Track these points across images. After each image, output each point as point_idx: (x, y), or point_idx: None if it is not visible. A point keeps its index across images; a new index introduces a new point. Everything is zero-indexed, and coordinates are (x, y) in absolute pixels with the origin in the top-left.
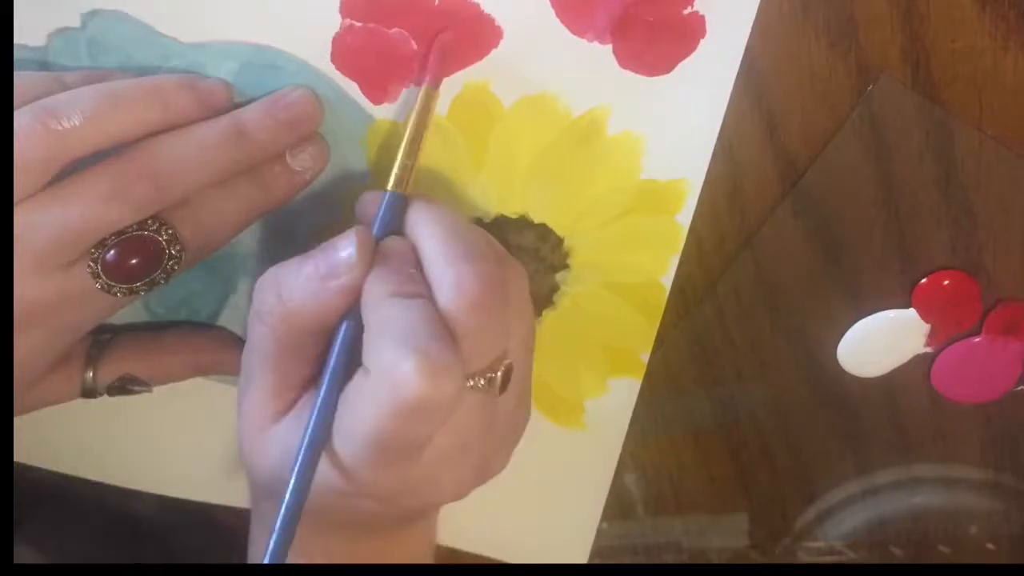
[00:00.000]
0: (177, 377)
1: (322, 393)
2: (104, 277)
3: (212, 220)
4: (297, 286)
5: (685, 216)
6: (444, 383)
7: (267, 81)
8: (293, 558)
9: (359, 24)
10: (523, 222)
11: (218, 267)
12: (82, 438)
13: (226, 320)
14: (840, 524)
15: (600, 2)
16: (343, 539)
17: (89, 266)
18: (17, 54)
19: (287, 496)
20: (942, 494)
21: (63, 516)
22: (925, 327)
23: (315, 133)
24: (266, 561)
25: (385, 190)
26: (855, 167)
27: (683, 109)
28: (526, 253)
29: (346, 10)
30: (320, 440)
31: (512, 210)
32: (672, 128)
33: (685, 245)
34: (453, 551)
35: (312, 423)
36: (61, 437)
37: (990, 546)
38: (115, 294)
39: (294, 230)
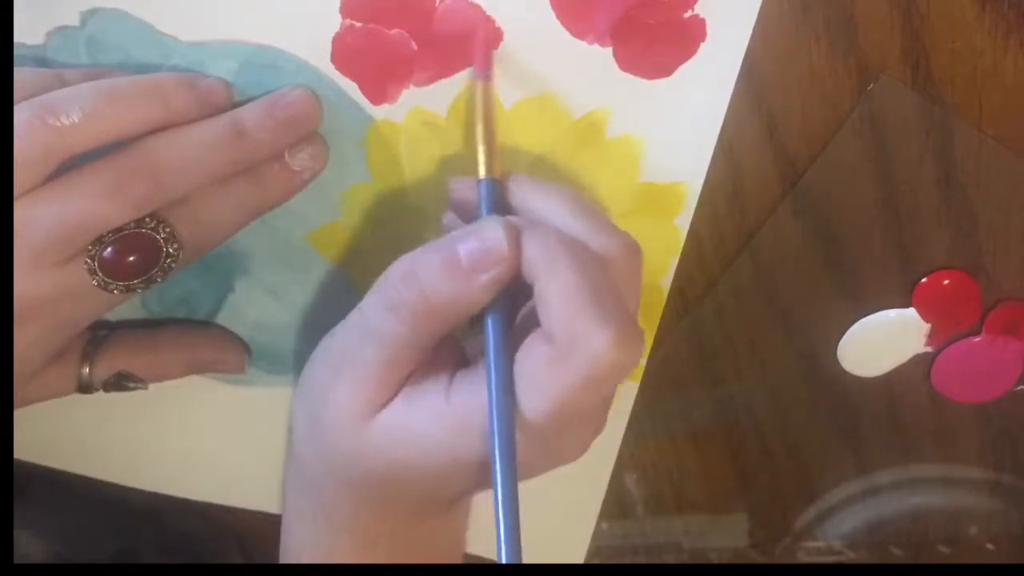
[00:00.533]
0: (173, 375)
1: (495, 377)
2: (101, 274)
3: (210, 219)
4: (442, 280)
5: (684, 219)
6: (636, 351)
7: (267, 81)
8: (355, 546)
9: (359, 24)
10: None
11: (216, 266)
12: (77, 434)
13: (224, 319)
14: (840, 524)
15: (601, 5)
16: (413, 519)
17: (86, 263)
18: (16, 52)
19: (499, 487)
20: (942, 494)
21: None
22: (925, 327)
23: (314, 133)
24: (504, 560)
25: (475, 177)
26: (855, 167)
27: (683, 112)
28: None
29: (346, 10)
30: (510, 421)
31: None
32: (672, 131)
33: (685, 245)
34: None
35: (496, 406)
36: (56, 433)
37: (990, 546)
38: (112, 291)
39: (293, 230)
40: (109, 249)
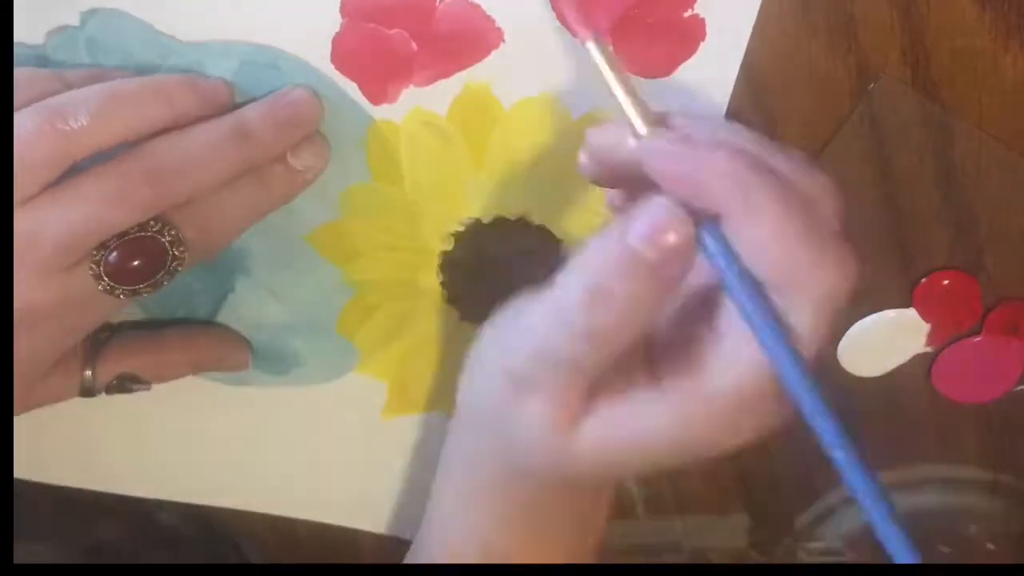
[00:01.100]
0: (177, 375)
1: (797, 371)
2: (106, 279)
3: (215, 221)
4: (634, 286)
5: None
6: (856, 275)
7: (267, 81)
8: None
9: (359, 24)
10: (522, 223)
11: (216, 266)
12: (75, 445)
13: (223, 319)
14: (840, 524)
15: (600, 4)
16: (594, 495)
17: (91, 268)
18: (16, 52)
19: (862, 476)
20: (942, 494)
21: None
22: (925, 327)
23: (315, 132)
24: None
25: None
26: (855, 167)
27: (683, 111)
28: (524, 254)
29: (346, 10)
30: (811, 379)
31: (511, 211)
32: None
33: None
34: None
35: (806, 393)
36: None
37: (990, 546)
38: (118, 296)
39: (293, 230)
40: (114, 254)
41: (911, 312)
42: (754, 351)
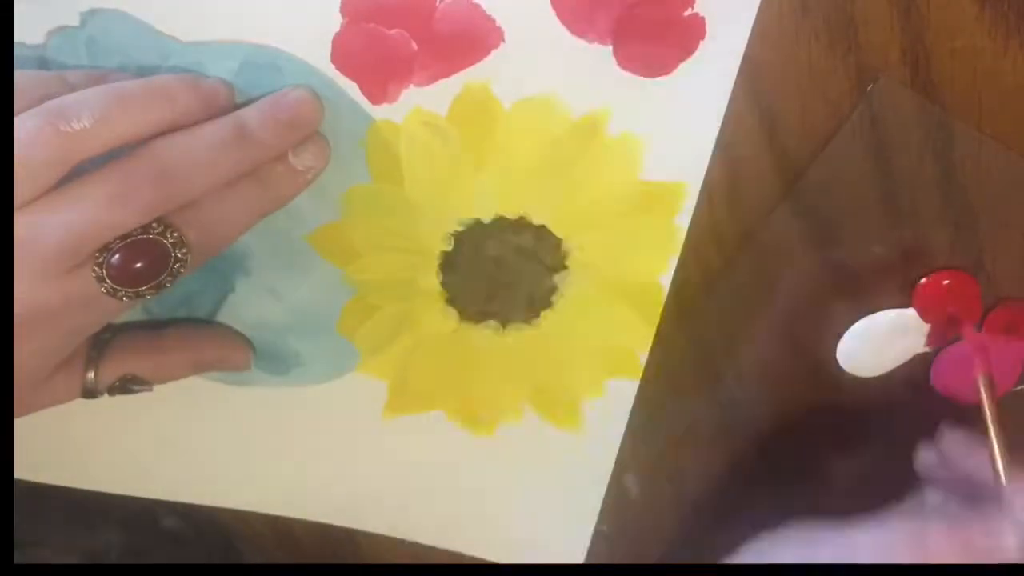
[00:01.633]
0: (179, 375)
1: None
2: (109, 281)
3: (217, 222)
4: None
5: (684, 218)
6: None
7: (267, 81)
8: None
9: (359, 24)
10: (522, 223)
11: (216, 266)
12: (75, 447)
13: (223, 319)
14: None
15: (600, 3)
16: None
17: (94, 270)
18: (16, 52)
19: None
20: None
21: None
22: (925, 327)
23: (316, 132)
24: None
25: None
26: (855, 167)
27: (683, 110)
28: (524, 254)
29: (346, 10)
30: None
31: (511, 211)
32: (672, 129)
33: (684, 245)
34: (453, 554)
35: None
36: (55, 447)
37: None
38: (121, 298)
39: (293, 230)
40: (117, 256)
41: (911, 312)
42: None
